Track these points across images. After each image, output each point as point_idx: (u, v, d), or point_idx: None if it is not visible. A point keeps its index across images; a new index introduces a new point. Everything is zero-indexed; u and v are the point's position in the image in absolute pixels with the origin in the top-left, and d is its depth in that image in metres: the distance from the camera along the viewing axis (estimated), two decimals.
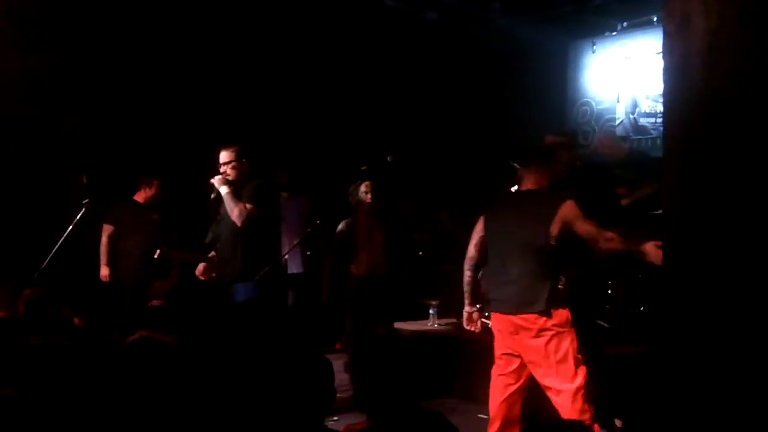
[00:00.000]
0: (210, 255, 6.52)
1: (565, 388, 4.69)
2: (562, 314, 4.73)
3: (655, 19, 8.45)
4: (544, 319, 4.72)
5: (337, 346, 7.50)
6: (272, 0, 8.38)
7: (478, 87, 9.31)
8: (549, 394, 4.79)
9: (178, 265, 7.19)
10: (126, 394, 3.55)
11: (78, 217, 6.76)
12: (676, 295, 2.64)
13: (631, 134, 8.97)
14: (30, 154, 7.43)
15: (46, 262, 6.49)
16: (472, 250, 5.20)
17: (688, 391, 2.52)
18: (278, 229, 7.29)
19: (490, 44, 9.01)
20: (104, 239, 7.44)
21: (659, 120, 8.32)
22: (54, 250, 6.56)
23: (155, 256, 7.10)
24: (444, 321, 7.79)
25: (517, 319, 4.83)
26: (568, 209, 4.77)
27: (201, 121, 8.27)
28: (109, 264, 7.40)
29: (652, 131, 8.70)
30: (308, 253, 8.14)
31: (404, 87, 9.29)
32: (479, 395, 5.61)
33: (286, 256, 7.71)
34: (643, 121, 8.87)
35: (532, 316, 4.76)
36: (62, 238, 6.64)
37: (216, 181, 6.17)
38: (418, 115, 9.24)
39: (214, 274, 6.41)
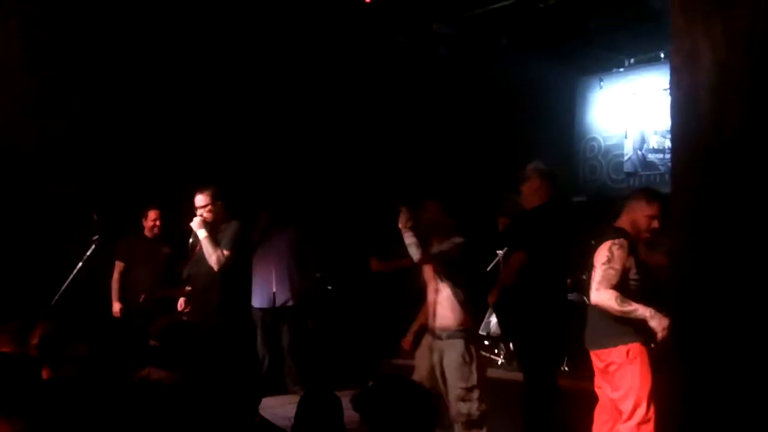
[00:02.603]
0: (186, 289, 6.67)
1: (621, 427, 4.68)
2: (621, 350, 4.68)
3: (662, 55, 8.50)
4: (607, 353, 4.76)
5: None
6: (275, 32, 8.44)
7: (486, 122, 9.33)
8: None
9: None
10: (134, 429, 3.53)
11: (88, 254, 6.77)
12: (688, 332, 2.63)
13: (639, 170, 8.98)
14: (39, 188, 7.45)
15: (55, 298, 6.50)
16: None
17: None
18: (250, 267, 7.60)
19: (498, 79, 9.05)
20: (115, 275, 7.48)
21: (667, 155, 8.34)
22: (64, 286, 6.57)
23: (140, 300, 7.16)
24: None
25: (593, 355, 4.92)
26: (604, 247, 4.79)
27: (204, 155, 8.30)
28: (120, 299, 7.44)
29: (660, 167, 8.72)
30: (329, 287, 8.17)
31: (413, 121, 9.32)
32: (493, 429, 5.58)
33: (274, 289, 7.75)
34: (651, 156, 8.89)
35: (597, 352, 4.85)
36: (72, 274, 6.64)
37: (194, 224, 6.28)
38: (426, 148, 9.26)
39: (188, 308, 6.60)
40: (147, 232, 7.58)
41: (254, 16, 8.14)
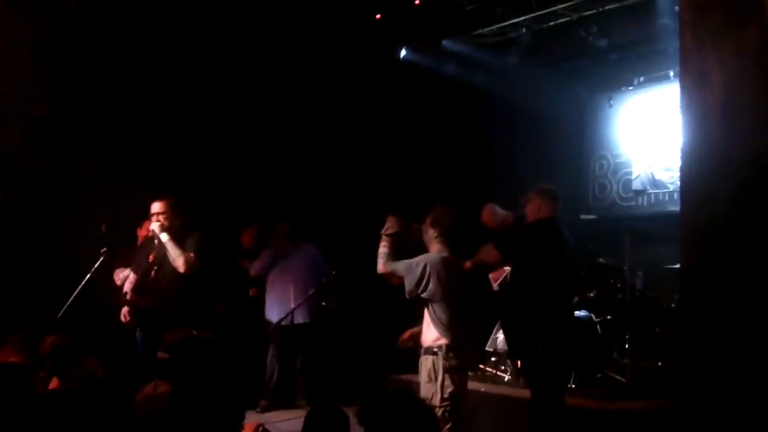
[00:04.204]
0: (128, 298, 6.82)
1: None
2: None
3: (671, 73, 8.50)
4: None
5: None
6: (285, 50, 8.49)
7: (496, 141, 9.35)
8: None
9: None
10: None
11: (96, 266, 6.79)
12: (695, 350, 2.62)
13: (648, 188, 8.98)
14: (48, 202, 7.49)
15: (63, 310, 6.50)
16: None
17: None
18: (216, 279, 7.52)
19: (508, 98, 9.06)
20: (127, 284, 7.32)
21: (676, 174, 8.32)
22: (72, 298, 6.58)
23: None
24: None
25: None
26: None
27: (214, 169, 8.34)
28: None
29: (669, 185, 8.71)
30: (323, 303, 8.11)
31: (422, 137, 9.34)
32: None
33: (293, 306, 7.74)
34: (660, 174, 8.88)
35: None
36: (80, 286, 6.66)
37: (156, 227, 6.41)
38: (435, 165, 9.27)
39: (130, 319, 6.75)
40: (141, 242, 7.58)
41: (261, 35, 8.21)
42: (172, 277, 6.35)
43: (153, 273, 6.43)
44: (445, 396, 5.07)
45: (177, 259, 6.29)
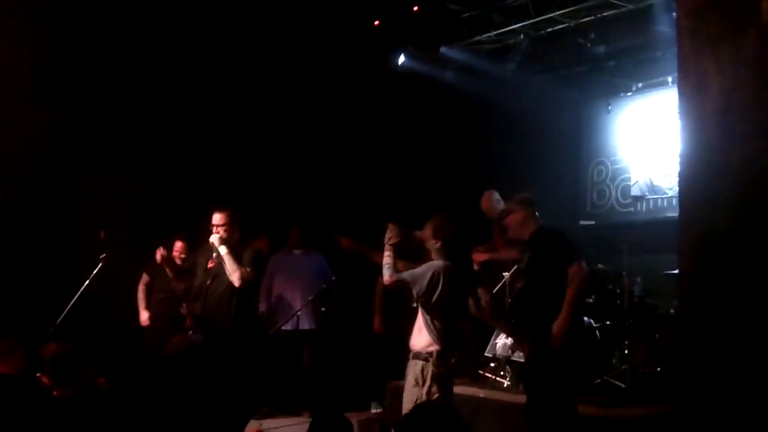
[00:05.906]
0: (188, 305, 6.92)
1: None
2: None
3: (669, 79, 8.51)
4: None
5: None
6: (284, 57, 8.52)
7: (494, 147, 9.35)
8: None
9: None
10: None
11: (95, 272, 6.79)
12: (694, 356, 2.62)
13: (647, 193, 8.99)
14: (47, 208, 7.49)
15: (61, 317, 6.49)
16: None
17: None
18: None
19: (506, 104, 9.08)
20: (141, 286, 7.82)
21: (675, 180, 8.33)
22: (70, 305, 6.57)
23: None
24: (458, 380, 7.71)
25: None
26: None
27: (220, 178, 8.34)
28: (148, 308, 7.73)
29: (667, 191, 8.71)
30: (323, 309, 8.11)
31: (418, 144, 9.35)
32: None
33: (299, 313, 7.74)
34: (658, 180, 8.89)
35: None
36: (79, 293, 6.65)
37: (215, 240, 6.38)
38: (433, 172, 9.28)
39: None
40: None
41: (261, 41, 8.23)
42: (226, 289, 6.33)
43: (210, 281, 6.43)
44: (432, 401, 5.08)
45: (233, 273, 6.26)
